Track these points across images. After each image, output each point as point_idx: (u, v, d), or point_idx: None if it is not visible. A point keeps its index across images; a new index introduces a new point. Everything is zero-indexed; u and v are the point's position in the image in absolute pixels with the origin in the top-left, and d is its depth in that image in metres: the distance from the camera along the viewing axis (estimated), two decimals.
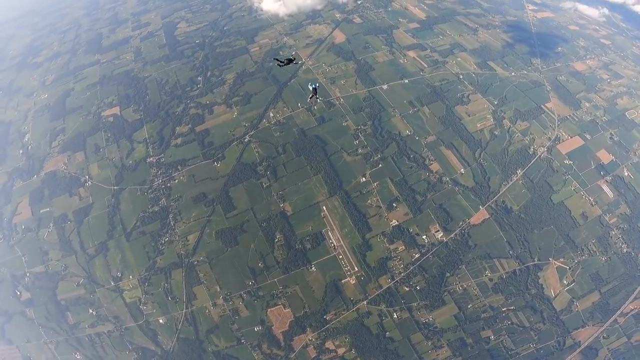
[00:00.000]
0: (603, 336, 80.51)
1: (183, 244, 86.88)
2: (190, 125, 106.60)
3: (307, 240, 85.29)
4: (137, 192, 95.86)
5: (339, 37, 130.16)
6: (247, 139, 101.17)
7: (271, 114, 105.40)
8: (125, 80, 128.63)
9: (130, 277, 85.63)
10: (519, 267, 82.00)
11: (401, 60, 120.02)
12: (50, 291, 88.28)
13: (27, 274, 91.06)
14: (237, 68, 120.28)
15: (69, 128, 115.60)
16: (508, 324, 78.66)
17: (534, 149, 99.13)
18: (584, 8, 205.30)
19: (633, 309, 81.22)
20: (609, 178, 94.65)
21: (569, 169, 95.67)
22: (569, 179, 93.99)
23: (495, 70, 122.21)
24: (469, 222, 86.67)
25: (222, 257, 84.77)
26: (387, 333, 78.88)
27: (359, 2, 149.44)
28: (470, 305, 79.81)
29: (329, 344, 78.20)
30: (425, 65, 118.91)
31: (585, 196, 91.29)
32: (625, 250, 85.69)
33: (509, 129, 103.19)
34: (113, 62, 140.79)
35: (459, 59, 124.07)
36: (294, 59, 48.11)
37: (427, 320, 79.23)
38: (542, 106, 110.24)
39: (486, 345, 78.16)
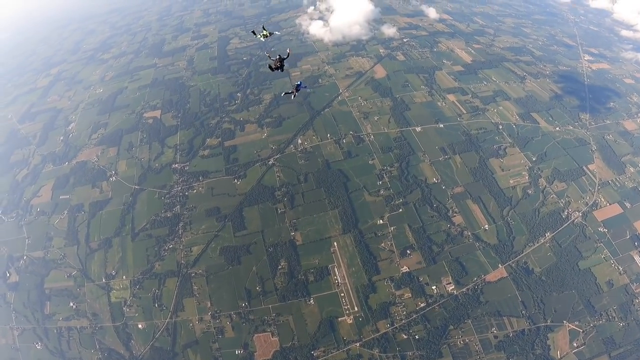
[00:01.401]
0: None
1: (185, 254, 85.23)
2: (220, 139, 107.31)
3: (311, 272, 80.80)
4: (155, 195, 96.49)
5: (380, 72, 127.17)
6: (271, 161, 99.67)
7: (299, 141, 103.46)
8: (173, 86, 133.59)
9: (124, 277, 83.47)
10: (528, 327, 74.45)
11: (439, 103, 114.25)
12: (40, 278, 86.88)
13: (25, 257, 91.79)
14: (275, 90, 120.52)
15: (111, 123, 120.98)
16: None
17: (568, 212, 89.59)
18: None
19: None
20: None
21: (602, 236, 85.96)
22: (600, 246, 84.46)
23: (539, 123, 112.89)
24: (484, 279, 79.36)
25: (221, 274, 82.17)
26: None
27: (405, 40, 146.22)
28: None
29: None
30: (464, 111, 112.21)
31: (615, 265, 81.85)
32: None
33: (544, 189, 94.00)
34: (167, 67, 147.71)
35: (500, 107, 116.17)
36: (285, 58, 39.38)
37: None
38: (584, 167, 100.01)
39: None
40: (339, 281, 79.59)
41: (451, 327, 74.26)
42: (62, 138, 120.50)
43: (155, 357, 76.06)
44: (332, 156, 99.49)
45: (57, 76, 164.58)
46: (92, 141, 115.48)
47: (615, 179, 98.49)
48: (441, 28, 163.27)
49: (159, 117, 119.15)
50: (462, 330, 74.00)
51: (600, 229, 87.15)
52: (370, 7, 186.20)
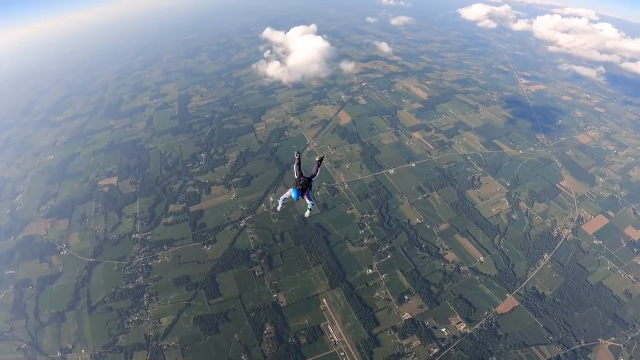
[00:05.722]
0: None
1: (154, 326, 70.13)
2: (184, 204, 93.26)
3: (302, 334, 67.22)
4: (113, 267, 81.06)
5: (344, 118, 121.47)
6: (243, 223, 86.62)
7: (271, 199, 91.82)
8: (130, 149, 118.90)
9: (83, 350, 68.10)
10: (563, 352, 64.93)
11: (407, 142, 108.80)
12: None
13: None
14: (241, 147, 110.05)
15: (62, 193, 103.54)
16: None
17: (557, 231, 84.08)
18: (580, 69, 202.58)
19: None
20: None
21: (599, 249, 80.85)
22: (602, 259, 79.05)
23: (502, 149, 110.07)
24: (495, 311, 69.66)
25: (198, 345, 66.85)
26: None
27: (363, 85, 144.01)
28: None
29: None
30: (432, 147, 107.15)
31: (624, 274, 76.10)
32: None
33: (527, 211, 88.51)
34: (124, 129, 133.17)
35: (464, 138, 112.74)
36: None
37: None
38: (557, 185, 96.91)
39: None
40: (336, 339, 66.36)
41: None
42: (8, 211, 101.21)
43: None
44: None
45: (5, 142, 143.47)
46: (40, 213, 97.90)
47: (590, 191, 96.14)
48: (394, 69, 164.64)
49: (115, 185, 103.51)
50: None
51: (595, 242, 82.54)
52: (326, 44, 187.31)
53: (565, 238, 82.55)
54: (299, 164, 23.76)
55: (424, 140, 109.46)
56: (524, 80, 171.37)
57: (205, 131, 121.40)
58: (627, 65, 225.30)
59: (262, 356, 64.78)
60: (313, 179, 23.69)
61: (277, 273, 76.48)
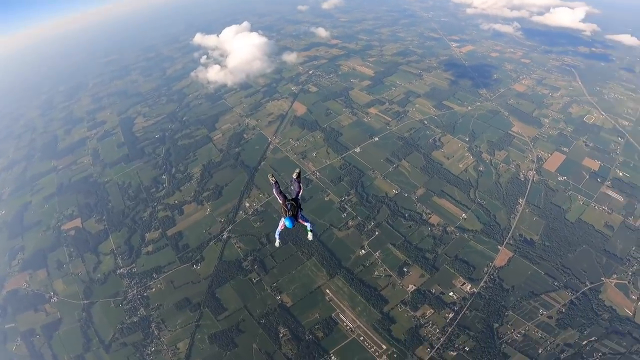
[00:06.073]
0: None
1: (173, 353, 67.76)
2: (160, 230, 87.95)
3: (317, 328, 67.41)
4: (110, 305, 76.81)
5: (300, 109, 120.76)
6: (225, 235, 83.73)
7: (247, 204, 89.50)
8: (84, 187, 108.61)
9: None
10: (574, 296, 67.71)
11: (365, 119, 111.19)
12: None
13: None
14: (202, 159, 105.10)
15: (28, 246, 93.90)
16: (600, 356, 61.15)
17: (523, 174, 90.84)
18: (499, 26, 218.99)
19: None
20: (608, 183, 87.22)
21: (566, 184, 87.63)
22: (572, 194, 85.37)
23: (453, 108, 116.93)
24: (494, 266, 72.98)
25: None
26: None
27: (310, 73, 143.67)
28: (541, 349, 62.56)
29: None
30: (389, 119, 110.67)
31: (598, 206, 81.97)
32: None
33: (491, 161, 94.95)
34: (70, 167, 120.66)
35: (417, 105, 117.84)
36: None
37: None
38: (510, 132, 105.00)
39: None
40: (351, 326, 67.25)
41: (496, 324, 65.18)
42: None
43: None
44: None
45: None
46: (14, 269, 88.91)
47: (539, 132, 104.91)
48: (336, 52, 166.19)
49: (80, 226, 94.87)
50: (510, 324, 65.27)
51: (560, 178, 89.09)
52: (263, 39, 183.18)
53: (533, 180, 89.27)
54: (278, 187, 21.19)
55: (381, 114, 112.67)
56: (454, 44, 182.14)
57: (160, 152, 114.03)
58: (536, 18, 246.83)
59: (285, 359, 64.17)
60: (299, 197, 20.92)
61: (274, 275, 75.58)
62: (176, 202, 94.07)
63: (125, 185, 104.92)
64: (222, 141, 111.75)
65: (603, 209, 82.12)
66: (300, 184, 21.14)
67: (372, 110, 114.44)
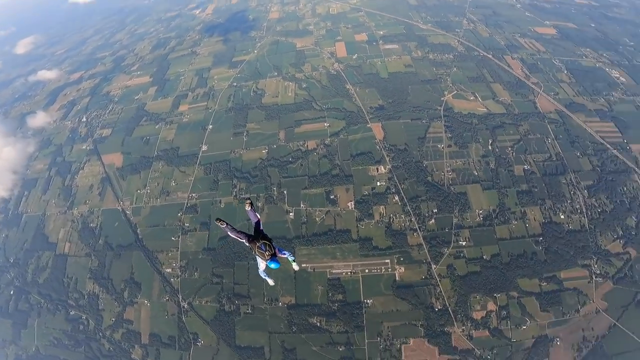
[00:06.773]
0: None
1: None
2: None
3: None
4: None
5: (117, 160, 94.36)
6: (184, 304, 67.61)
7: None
8: None
9: None
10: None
11: (184, 119, 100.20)
12: None
13: None
14: None
15: None
16: None
17: (333, 70, 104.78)
18: None
19: None
20: (381, 42, 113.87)
21: (361, 58, 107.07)
22: (370, 61, 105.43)
23: (246, 59, 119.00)
24: (379, 141, 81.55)
25: None
26: None
27: (83, 120, 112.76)
28: None
29: None
30: (205, 103, 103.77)
31: (390, 58, 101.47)
32: None
33: (305, 75, 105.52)
34: None
35: (215, 77, 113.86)
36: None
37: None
38: (297, 49, 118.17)
39: None
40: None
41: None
42: None
43: None
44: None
45: None
46: None
47: (315, 37, 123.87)
48: (86, 86, 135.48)
49: None
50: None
51: (354, 57, 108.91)
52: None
53: (341, 69, 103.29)
54: (233, 229, 17.40)
55: (195, 105, 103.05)
56: (196, 11, 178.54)
57: None
58: None
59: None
60: (261, 227, 17.36)
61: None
62: None
63: None
64: None
65: (395, 57, 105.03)
66: (255, 212, 17.78)
67: (183, 107, 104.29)
